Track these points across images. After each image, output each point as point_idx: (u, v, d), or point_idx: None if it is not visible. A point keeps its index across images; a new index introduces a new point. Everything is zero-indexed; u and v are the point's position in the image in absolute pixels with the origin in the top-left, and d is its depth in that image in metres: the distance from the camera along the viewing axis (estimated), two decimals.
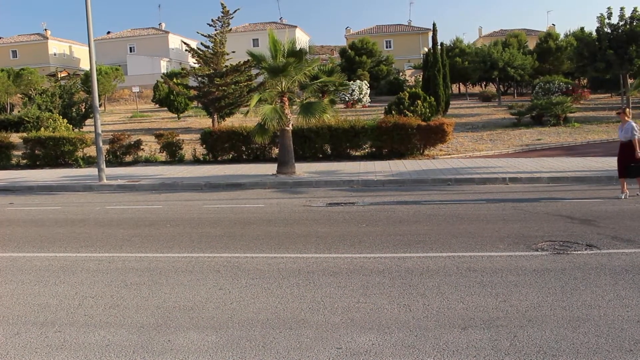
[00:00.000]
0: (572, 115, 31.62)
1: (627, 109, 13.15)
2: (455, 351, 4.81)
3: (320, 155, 22.45)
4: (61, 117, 30.32)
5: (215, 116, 32.86)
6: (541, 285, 6.43)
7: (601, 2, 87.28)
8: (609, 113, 34.87)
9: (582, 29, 39.78)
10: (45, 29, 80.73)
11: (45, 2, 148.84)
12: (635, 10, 31.82)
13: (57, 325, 5.72)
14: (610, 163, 17.48)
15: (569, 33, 56.83)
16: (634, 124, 12.50)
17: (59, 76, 54.87)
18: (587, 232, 9.01)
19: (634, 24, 31.63)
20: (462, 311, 5.73)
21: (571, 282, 6.51)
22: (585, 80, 54.00)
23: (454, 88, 59.10)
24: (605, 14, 32.34)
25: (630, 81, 34.35)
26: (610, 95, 49.47)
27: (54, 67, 72.62)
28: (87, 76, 44.34)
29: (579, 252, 7.85)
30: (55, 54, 78.55)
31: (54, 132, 25.27)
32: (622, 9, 32.01)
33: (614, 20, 32.29)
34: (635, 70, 32.60)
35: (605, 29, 32.61)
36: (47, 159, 24.05)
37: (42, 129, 27.40)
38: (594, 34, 34.51)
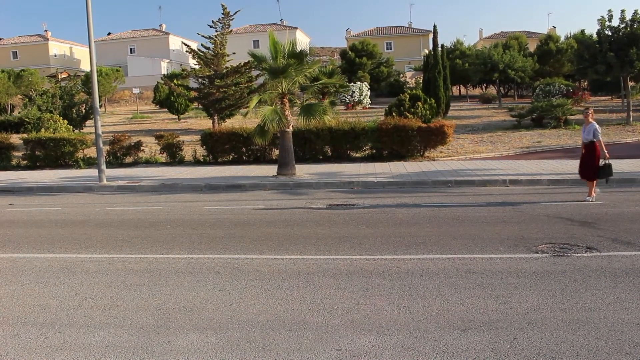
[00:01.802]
0: (572, 117, 31.61)
1: (591, 110, 12.95)
2: (455, 353, 4.81)
3: (321, 157, 22.45)
4: (61, 118, 30.29)
5: (216, 117, 32.89)
6: (541, 288, 6.43)
7: (602, 4, 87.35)
8: (609, 115, 34.92)
9: (582, 31, 39.92)
10: (46, 30, 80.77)
11: (46, 3, 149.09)
12: (636, 12, 31.78)
13: (57, 326, 5.73)
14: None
15: (569, 35, 56.98)
16: (597, 126, 12.42)
17: (60, 77, 54.87)
18: (587, 235, 9.01)
19: (635, 26, 31.61)
20: (462, 313, 5.73)
21: (571, 285, 6.51)
22: (585, 83, 54.03)
23: (455, 90, 59.16)
24: (606, 17, 32.32)
25: (630, 84, 34.35)
26: (610, 97, 49.49)
27: (54, 68, 72.65)
28: (88, 77, 44.35)
29: (579, 254, 7.85)
30: (55, 55, 78.57)
31: (54, 133, 25.27)
32: (622, 11, 32.01)
33: (615, 22, 32.27)
34: (635, 73, 32.59)
35: (606, 32, 32.59)
36: (48, 160, 24.05)
37: (43, 130, 27.39)
38: (595, 36, 34.49)
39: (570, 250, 8.09)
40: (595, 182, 12.45)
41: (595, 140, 12.31)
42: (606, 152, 12.34)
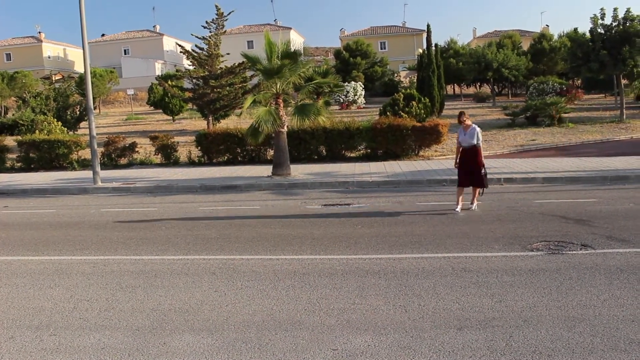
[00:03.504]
0: (566, 115, 31.72)
1: (467, 113, 11.81)
2: (451, 352, 4.81)
3: (315, 157, 22.45)
4: (56, 120, 30.19)
5: (210, 118, 32.85)
6: (536, 286, 6.44)
7: (595, 3, 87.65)
8: (602, 113, 35.03)
9: (575, 29, 39.91)
10: (40, 32, 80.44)
11: (39, 5, 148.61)
12: (628, 10, 31.91)
13: (52, 329, 5.71)
14: (605, 163, 17.58)
15: (562, 34, 57.07)
16: (479, 129, 11.52)
17: (54, 79, 54.70)
18: (582, 232, 9.04)
19: (627, 24, 31.73)
20: (457, 312, 5.74)
21: (566, 282, 6.53)
22: (579, 81, 54.19)
23: (449, 89, 59.25)
24: (599, 15, 32.46)
25: (624, 81, 34.47)
26: (604, 95, 49.67)
27: (48, 69, 72.42)
28: (82, 79, 44.23)
29: (573, 252, 7.88)
30: (49, 57, 78.35)
31: (48, 135, 25.17)
32: (615, 9, 32.09)
33: (607, 21, 32.41)
34: (628, 71, 32.70)
35: (599, 30, 32.70)
36: (42, 162, 23.98)
37: (37, 131, 27.30)
38: (588, 34, 34.60)
39: (565, 247, 8.11)
40: (477, 190, 11.64)
41: (476, 144, 11.37)
42: (483, 160, 11.50)
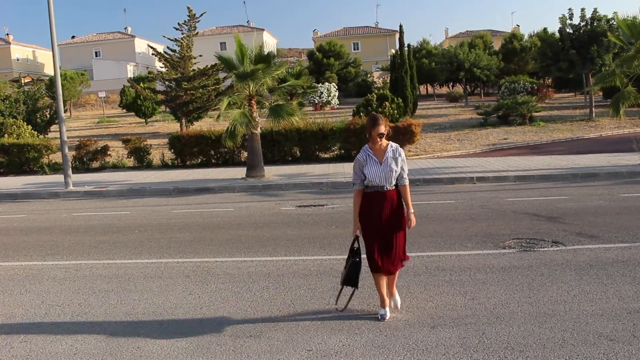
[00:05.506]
0: (537, 114, 32.14)
1: (384, 120, 5.78)
2: (424, 350, 4.85)
3: (289, 158, 22.44)
4: (25, 123, 29.72)
5: (183, 120, 32.60)
6: (509, 283, 6.53)
7: (563, 3, 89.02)
8: (572, 112, 35.57)
9: (545, 29, 40.43)
10: (7, 34, 79.22)
11: (7, 6, 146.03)
12: (595, 11, 32.56)
13: (23, 335, 5.63)
14: (575, 161, 17.85)
15: (532, 34, 57.71)
16: (402, 151, 5.83)
17: (23, 82, 53.69)
18: (553, 229, 9.17)
19: (595, 24, 32.34)
20: (431, 310, 5.79)
21: (538, 279, 6.62)
22: (549, 80, 54.87)
23: (422, 89, 59.56)
24: (567, 15, 33.03)
25: (592, 80, 35.04)
26: (574, 94, 50.39)
27: (17, 72, 71.14)
28: (52, 81, 43.58)
29: (545, 249, 7.99)
30: (18, 59, 77.14)
31: (17, 139, 24.80)
32: (582, 9, 32.73)
33: (575, 21, 33.01)
34: (596, 70, 33.28)
35: (567, 30, 33.31)
36: (11, 167, 23.58)
37: (6, 135, 26.84)
38: (557, 34, 35.18)
39: (536, 245, 8.23)
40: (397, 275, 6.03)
41: (401, 183, 5.74)
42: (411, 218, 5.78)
